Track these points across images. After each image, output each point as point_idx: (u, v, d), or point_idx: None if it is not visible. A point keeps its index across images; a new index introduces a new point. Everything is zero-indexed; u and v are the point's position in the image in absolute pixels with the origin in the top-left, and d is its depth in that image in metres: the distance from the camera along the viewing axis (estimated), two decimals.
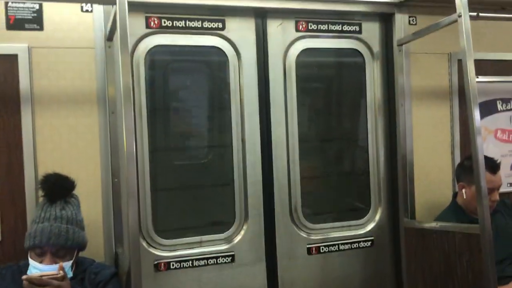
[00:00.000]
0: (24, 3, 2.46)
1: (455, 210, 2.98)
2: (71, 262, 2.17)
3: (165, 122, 2.97)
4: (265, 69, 2.95)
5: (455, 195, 3.07)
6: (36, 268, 2.09)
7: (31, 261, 2.13)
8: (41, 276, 1.92)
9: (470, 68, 2.40)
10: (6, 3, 2.44)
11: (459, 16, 2.44)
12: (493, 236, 2.37)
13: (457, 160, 3.23)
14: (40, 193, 2.27)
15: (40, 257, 2.12)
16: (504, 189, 3.32)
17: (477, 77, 2.49)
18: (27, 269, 2.10)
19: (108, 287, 2.20)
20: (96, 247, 2.54)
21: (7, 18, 2.45)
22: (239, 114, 2.90)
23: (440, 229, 2.77)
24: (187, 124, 3.03)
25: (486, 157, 2.66)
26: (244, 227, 2.90)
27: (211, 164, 3.02)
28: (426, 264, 2.86)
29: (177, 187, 3.00)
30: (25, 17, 2.47)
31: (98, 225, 2.58)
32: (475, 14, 2.79)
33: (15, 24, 2.46)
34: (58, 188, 2.23)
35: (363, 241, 3.13)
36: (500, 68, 3.42)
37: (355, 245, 3.11)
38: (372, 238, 3.15)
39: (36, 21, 2.49)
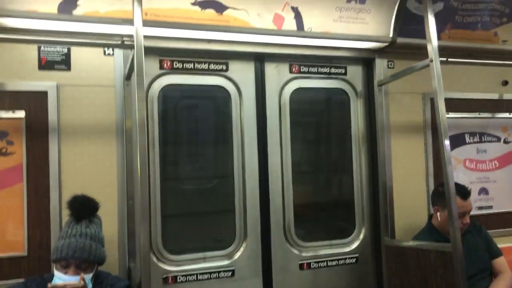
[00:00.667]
0: (54, 47, 2.52)
1: (430, 230, 2.96)
2: (91, 274, 2.15)
3: (175, 152, 2.99)
4: (263, 105, 2.99)
5: (430, 216, 3.06)
6: (61, 279, 2.07)
7: (56, 272, 2.11)
8: (64, 285, 1.90)
9: (441, 106, 2.44)
10: (39, 47, 2.50)
11: (431, 61, 2.49)
12: (464, 254, 2.37)
13: (431, 186, 3.24)
14: (67, 212, 2.25)
15: (64, 269, 2.10)
16: (474, 212, 3.31)
17: (448, 114, 2.52)
18: (51, 281, 2.08)
19: None
20: (112, 262, 2.51)
21: (40, 59, 2.51)
22: (240, 144, 2.93)
23: (417, 247, 2.76)
24: (194, 152, 3.04)
25: (458, 185, 2.68)
26: (243, 245, 2.89)
27: (215, 189, 3.02)
28: (405, 279, 2.84)
29: (185, 209, 2.99)
30: (55, 59, 2.53)
31: (114, 241, 2.57)
32: (445, 59, 2.86)
33: (46, 65, 2.51)
34: (85, 208, 2.23)
35: (349, 257, 3.11)
36: (467, 106, 3.46)
37: (341, 262, 3.09)
38: (356, 255, 3.13)
39: (64, 63, 2.54)
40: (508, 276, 2.92)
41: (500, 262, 2.98)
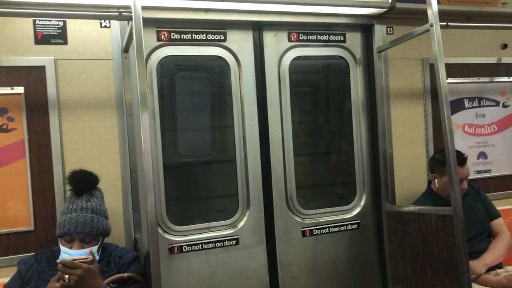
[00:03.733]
0: (50, 20, 2.48)
1: (430, 195, 3.02)
2: (97, 246, 2.19)
3: (176, 124, 2.99)
4: (262, 74, 2.97)
5: (430, 182, 3.11)
6: (67, 253, 2.11)
7: (61, 247, 2.15)
8: (73, 260, 1.93)
9: (442, 71, 2.43)
10: (34, 21, 2.46)
11: (431, 25, 2.46)
12: (464, 217, 2.41)
13: (431, 152, 3.27)
14: (68, 187, 2.28)
15: (69, 243, 2.15)
16: (472, 176, 3.37)
17: (447, 79, 2.51)
18: (60, 254, 2.13)
19: (131, 268, 2.22)
20: (118, 234, 2.56)
21: (35, 34, 2.47)
22: (240, 115, 2.93)
23: (418, 212, 2.80)
24: (195, 125, 3.05)
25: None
26: (247, 214, 2.93)
27: (217, 160, 3.04)
28: (406, 243, 2.90)
29: (186, 180, 3.02)
30: (51, 33, 2.49)
31: (119, 214, 2.60)
32: (445, 23, 2.84)
33: (42, 39, 2.48)
34: (84, 182, 2.25)
35: (350, 224, 3.16)
36: (466, 71, 3.46)
37: (343, 228, 3.14)
38: (358, 221, 3.19)
39: (61, 37, 2.50)
40: (506, 236, 2.99)
41: (498, 223, 3.05)
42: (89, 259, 1.96)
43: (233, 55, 2.91)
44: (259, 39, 2.97)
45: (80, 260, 1.94)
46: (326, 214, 3.14)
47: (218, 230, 2.86)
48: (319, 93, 3.42)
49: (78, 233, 2.14)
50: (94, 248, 2.16)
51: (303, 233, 3.05)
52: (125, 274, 2.17)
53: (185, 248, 2.76)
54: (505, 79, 3.59)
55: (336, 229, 3.12)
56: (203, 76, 3.06)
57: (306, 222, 3.06)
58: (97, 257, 2.16)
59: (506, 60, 3.58)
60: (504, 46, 3.56)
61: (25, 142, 2.45)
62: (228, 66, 2.91)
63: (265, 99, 2.98)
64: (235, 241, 2.87)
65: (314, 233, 3.07)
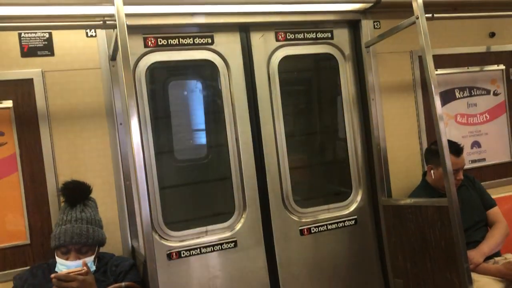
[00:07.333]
0: (35, 32, 2.47)
1: (425, 187, 3.03)
2: (93, 257, 2.20)
3: (168, 130, 2.99)
4: (251, 76, 2.97)
5: (424, 174, 3.11)
6: (63, 265, 2.12)
7: (57, 259, 2.16)
8: (68, 273, 1.93)
9: (430, 63, 2.44)
10: (20, 34, 2.45)
11: (417, 18, 2.47)
12: (460, 207, 2.42)
13: (424, 144, 3.27)
14: (62, 199, 2.28)
15: (65, 255, 2.15)
16: (467, 165, 3.37)
17: (436, 70, 2.51)
18: (55, 266, 2.12)
19: (128, 277, 2.22)
20: (115, 243, 2.56)
21: (21, 47, 2.46)
22: (232, 117, 2.93)
23: (414, 204, 2.81)
24: (187, 129, 3.05)
25: (450, 142, 2.72)
26: (244, 216, 2.93)
27: (211, 163, 3.04)
28: (404, 236, 2.91)
29: (182, 185, 3.02)
30: (37, 45, 2.48)
31: (115, 223, 2.60)
32: (430, 15, 2.84)
33: (29, 52, 2.47)
34: (77, 193, 2.26)
35: (348, 220, 3.17)
36: (456, 61, 3.47)
37: (341, 224, 3.15)
38: (355, 217, 3.19)
39: (47, 48, 2.50)
40: (503, 225, 3.00)
41: (494, 212, 3.06)
42: (83, 271, 1.96)
43: (221, 57, 2.91)
44: (247, 41, 2.97)
45: (75, 273, 1.94)
46: (323, 211, 3.14)
47: (215, 234, 2.86)
48: (310, 90, 3.43)
49: (74, 244, 2.14)
50: (90, 259, 2.17)
51: (301, 232, 3.05)
52: (123, 283, 2.15)
53: (183, 253, 2.76)
54: (495, 67, 3.59)
55: (334, 226, 3.12)
56: (193, 79, 3.06)
57: (303, 220, 3.06)
58: (93, 267, 2.17)
59: (494, 48, 3.59)
60: (492, 35, 3.57)
61: (17, 155, 2.45)
62: (217, 69, 2.91)
63: (256, 100, 2.98)
64: (233, 243, 2.87)
65: (312, 231, 3.07)
